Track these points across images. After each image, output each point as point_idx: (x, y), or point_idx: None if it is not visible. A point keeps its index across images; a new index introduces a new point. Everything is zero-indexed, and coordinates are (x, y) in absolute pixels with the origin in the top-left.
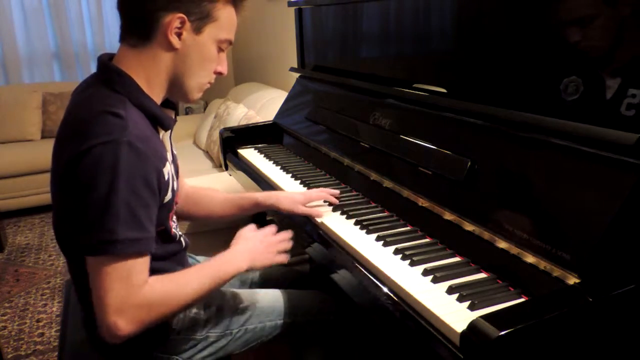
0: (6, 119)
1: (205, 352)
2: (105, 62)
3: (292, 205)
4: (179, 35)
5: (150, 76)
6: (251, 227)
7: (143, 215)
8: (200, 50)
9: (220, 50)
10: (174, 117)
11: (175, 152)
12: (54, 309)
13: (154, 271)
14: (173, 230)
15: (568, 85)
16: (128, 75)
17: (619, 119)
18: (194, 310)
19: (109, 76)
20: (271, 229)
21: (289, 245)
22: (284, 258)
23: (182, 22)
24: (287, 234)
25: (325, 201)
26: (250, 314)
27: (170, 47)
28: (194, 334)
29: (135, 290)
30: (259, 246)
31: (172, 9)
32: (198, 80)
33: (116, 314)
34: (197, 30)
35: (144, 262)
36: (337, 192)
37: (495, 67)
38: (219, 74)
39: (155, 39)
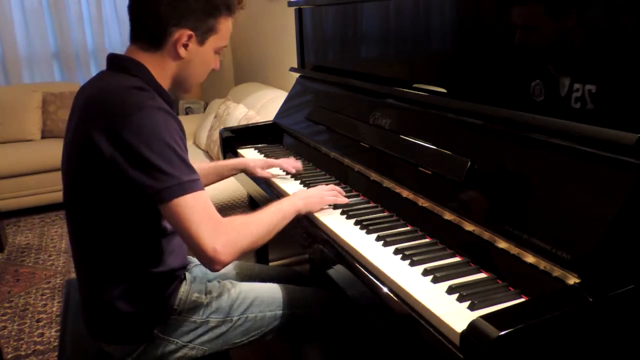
0: (6, 119)
1: (204, 337)
2: (118, 55)
3: (254, 169)
4: (185, 46)
5: (158, 74)
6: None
7: (189, 161)
8: (202, 58)
9: (216, 54)
10: None
11: None
12: (54, 309)
13: (160, 264)
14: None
15: (535, 87)
16: (142, 63)
17: (571, 113)
18: (196, 294)
19: (124, 64)
20: (323, 186)
21: (341, 192)
22: (336, 200)
23: (190, 37)
24: (338, 187)
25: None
26: (251, 303)
27: (177, 57)
28: (195, 316)
29: (219, 218)
30: (313, 192)
31: (182, 25)
32: (197, 79)
33: (213, 241)
34: (201, 42)
35: (209, 199)
36: (299, 165)
37: (495, 67)
38: (213, 70)
39: (164, 48)
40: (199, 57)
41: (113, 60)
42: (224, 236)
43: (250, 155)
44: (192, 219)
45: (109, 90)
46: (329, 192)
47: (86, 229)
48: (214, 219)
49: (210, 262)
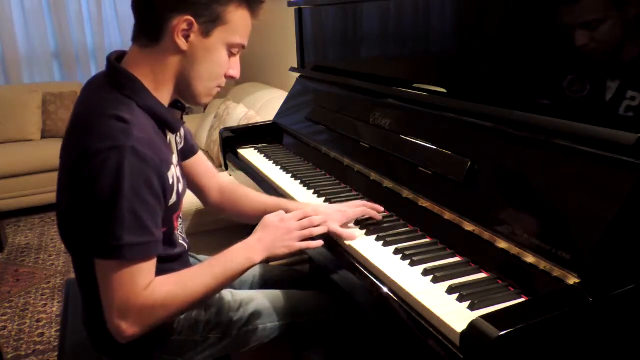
0: (6, 119)
1: (206, 354)
2: (114, 65)
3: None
4: (186, 37)
5: (158, 78)
6: (277, 213)
7: (148, 219)
8: (208, 54)
9: (231, 54)
10: (181, 118)
11: (195, 145)
12: (54, 309)
13: (159, 273)
14: (177, 232)
15: (571, 83)
16: (137, 78)
17: (617, 120)
18: (195, 311)
19: (117, 79)
20: (296, 213)
21: (317, 230)
22: (307, 245)
23: (190, 25)
24: (316, 218)
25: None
26: (251, 315)
27: (178, 50)
28: (195, 335)
29: (139, 293)
30: (277, 233)
31: (180, 10)
32: (206, 84)
33: (120, 317)
34: (206, 33)
35: (148, 266)
36: (379, 208)
37: (495, 67)
38: (230, 77)
39: (163, 41)
40: (204, 53)
41: (109, 69)
42: (135, 316)
43: (249, 156)
44: (110, 286)
45: (93, 116)
46: (298, 232)
47: (76, 240)
48: (132, 292)
49: (114, 334)
